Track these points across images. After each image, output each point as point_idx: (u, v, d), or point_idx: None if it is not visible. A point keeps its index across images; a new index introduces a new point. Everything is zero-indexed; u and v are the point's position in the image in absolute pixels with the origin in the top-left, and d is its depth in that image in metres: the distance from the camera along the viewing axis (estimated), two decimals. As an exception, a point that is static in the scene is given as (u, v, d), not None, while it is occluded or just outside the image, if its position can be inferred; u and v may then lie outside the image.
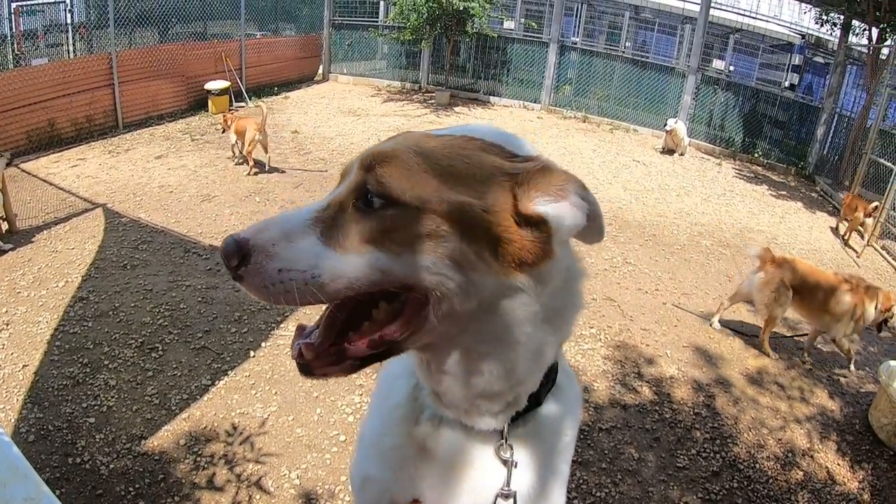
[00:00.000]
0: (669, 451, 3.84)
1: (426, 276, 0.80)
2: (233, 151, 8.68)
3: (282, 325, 4.68)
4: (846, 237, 8.48)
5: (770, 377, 4.77)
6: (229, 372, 4.16)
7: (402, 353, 0.88)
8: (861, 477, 3.84)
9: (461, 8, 12.23)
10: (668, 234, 7.50)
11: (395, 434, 1.00)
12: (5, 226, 6.12)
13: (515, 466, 0.92)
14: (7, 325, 4.62)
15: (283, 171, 8.52)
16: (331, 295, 0.81)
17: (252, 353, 4.37)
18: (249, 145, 8.06)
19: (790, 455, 3.95)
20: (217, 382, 4.06)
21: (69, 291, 5.07)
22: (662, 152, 11.76)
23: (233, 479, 3.33)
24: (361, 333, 0.86)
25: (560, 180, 0.83)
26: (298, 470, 3.42)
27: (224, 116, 8.88)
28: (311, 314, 4.43)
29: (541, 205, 0.82)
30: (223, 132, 8.82)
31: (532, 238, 0.82)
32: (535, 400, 0.94)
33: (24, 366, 4.14)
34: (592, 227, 0.86)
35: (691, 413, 4.23)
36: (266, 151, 8.31)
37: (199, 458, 3.44)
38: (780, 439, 4.08)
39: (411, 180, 0.81)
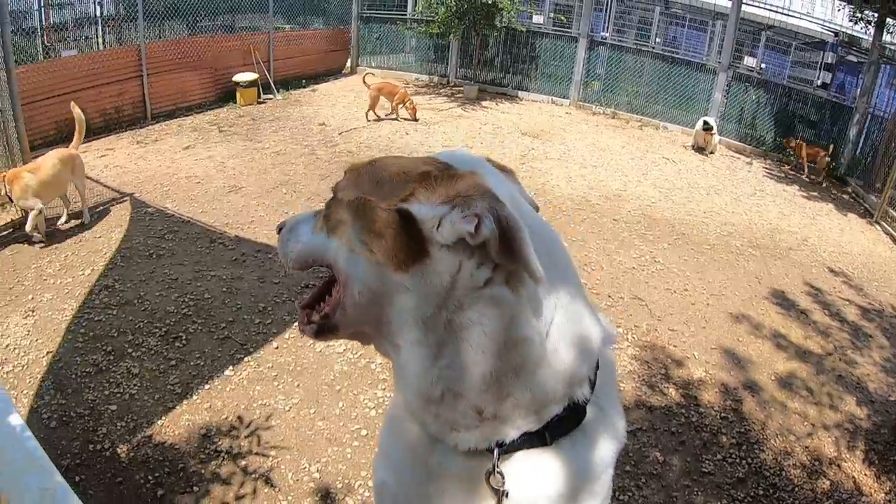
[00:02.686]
0: (695, 455, 3.78)
1: (332, 257, 0.97)
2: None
3: (305, 318, 4.65)
4: (822, 180, 10.89)
5: (800, 382, 4.67)
6: (252, 363, 4.16)
7: (338, 333, 1.02)
8: (888, 488, 3.74)
9: (489, 2, 12.17)
10: (697, 234, 7.39)
11: (398, 445, 1.06)
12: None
13: (506, 497, 0.91)
14: (33, 311, 4.67)
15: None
16: (295, 263, 1.06)
17: (276, 345, 4.36)
18: (398, 102, 10.86)
19: (817, 463, 3.86)
20: (240, 373, 4.06)
21: (95, 279, 5.11)
22: (693, 150, 11.60)
23: (251, 470, 3.33)
24: (322, 306, 1.04)
25: (464, 187, 0.84)
26: (319, 463, 3.41)
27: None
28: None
29: (414, 204, 0.85)
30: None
31: (401, 234, 0.87)
32: (540, 437, 0.92)
33: (48, 352, 4.19)
34: (507, 249, 0.80)
35: (718, 417, 4.15)
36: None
37: (218, 449, 3.44)
38: (807, 447, 4.00)
39: (351, 183, 0.98)
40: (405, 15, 15.27)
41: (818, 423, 4.24)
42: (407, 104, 10.88)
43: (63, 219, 6.17)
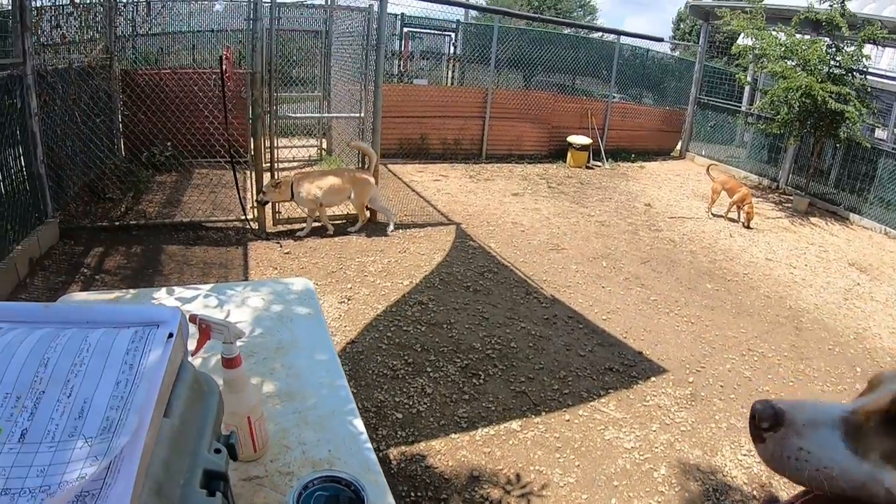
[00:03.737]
0: None
1: (877, 493, 0.82)
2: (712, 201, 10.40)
3: (603, 401, 4.50)
4: None
5: None
6: (541, 426, 4.09)
7: None
8: None
9: (835, 109, 11.07)
10: None
11: None
12: (367, 214, 6.91)
13: None
14: (349, 299, 5.16)
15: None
16: (833, 488, 0.86)
17: (567, 417, 4.25)
18: (738, 202, 10.02)
19: None
20: (526, 431, 4.01)
21: (409, 291, 5.48)
22: None
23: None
24: None
25: None
26: (572, 551, 3.24)
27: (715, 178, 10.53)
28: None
29: None
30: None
31: None
32: None
33: (352, 341, 4.55)
34: None
35: None
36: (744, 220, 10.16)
37: (485, 497, 3.41)
38: None
39: None
40: (740, 106, 14.54)
41: None
42: (745, 207, 10.14)
43: (391, 227, 6.77)
